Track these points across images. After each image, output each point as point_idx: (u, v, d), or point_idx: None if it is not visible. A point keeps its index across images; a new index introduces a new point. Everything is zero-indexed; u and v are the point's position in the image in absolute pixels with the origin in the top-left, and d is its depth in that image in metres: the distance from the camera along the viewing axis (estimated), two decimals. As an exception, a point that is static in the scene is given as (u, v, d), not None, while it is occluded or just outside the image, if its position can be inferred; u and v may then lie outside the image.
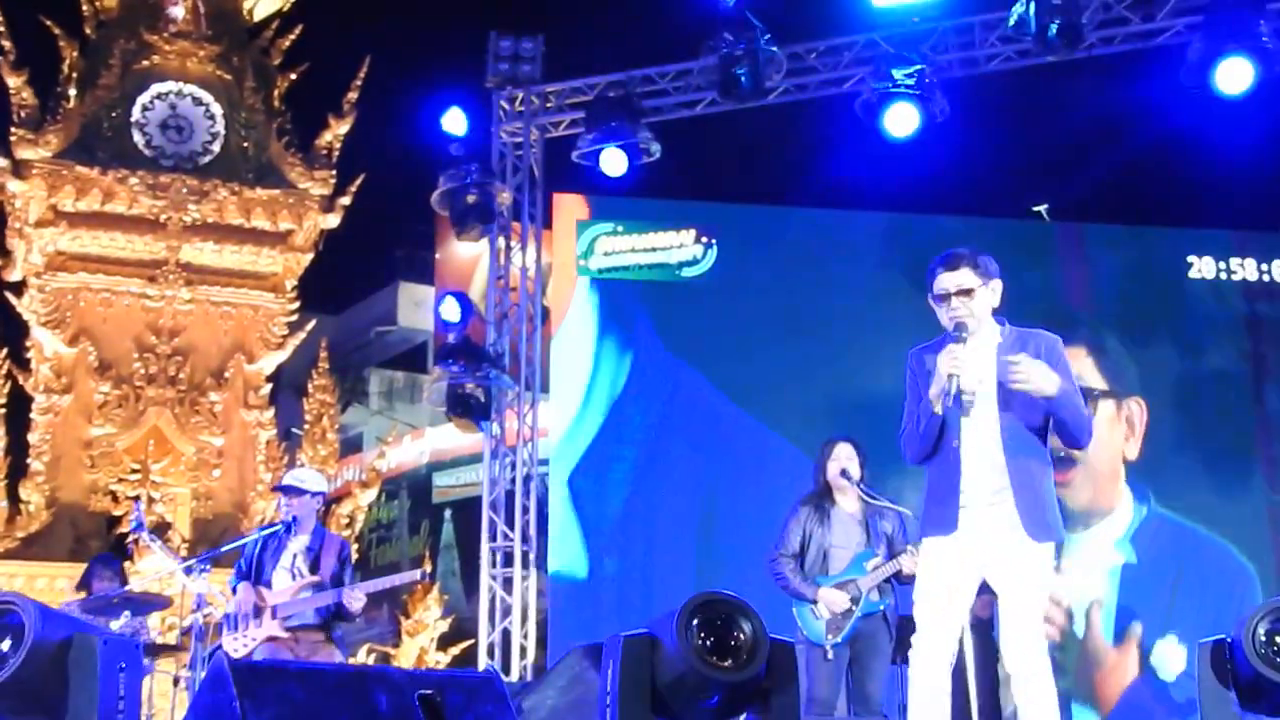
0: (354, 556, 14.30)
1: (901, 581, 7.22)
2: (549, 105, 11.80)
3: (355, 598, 7.15)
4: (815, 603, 7.12)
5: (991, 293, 4.67)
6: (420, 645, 14.05)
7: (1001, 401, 4.59)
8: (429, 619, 14.15)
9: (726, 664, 3.70)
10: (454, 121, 11.06)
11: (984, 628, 8.63)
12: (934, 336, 4.76)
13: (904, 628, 8.00)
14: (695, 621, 3.74)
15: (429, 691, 3.99)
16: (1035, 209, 15.81)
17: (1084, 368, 11.93)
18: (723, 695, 3.72)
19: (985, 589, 8.51)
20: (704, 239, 12.01)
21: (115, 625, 8.12)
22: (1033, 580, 4.56)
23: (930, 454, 4.65)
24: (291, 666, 4.81)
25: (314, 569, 7.26)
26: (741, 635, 3.75)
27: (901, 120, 10.55)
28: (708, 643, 3.71)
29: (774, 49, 10.69)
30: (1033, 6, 10.03)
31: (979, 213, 13.47)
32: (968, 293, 4.62)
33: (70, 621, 3.64)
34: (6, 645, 3.44)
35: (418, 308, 26.98)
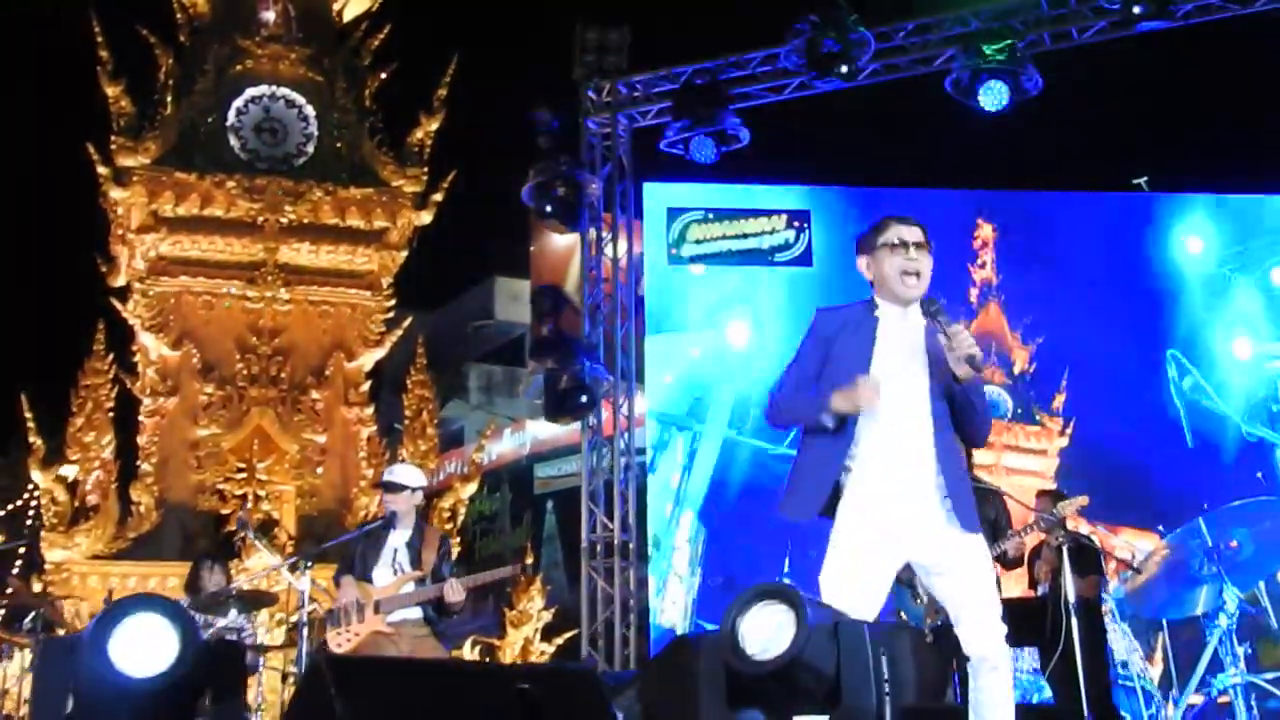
0: (457, 549, 14.57)
1: (1005, 565, 7.12)
2: (636, 95, 11.78)
3: (456, 592, 7.18)
4: (910, 585, 7.04)
5: (930, 261, 4.47)
6: (525, 636, 14.11)
7: (931, 379, 4.38)
8: (533, 610, 14.20)
9: (768, 655, 3.67)
10: (542, 114, 11.08)
11: (1091, 609, 8.49)
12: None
13: (1009, 611, 7.93)
14: (745, 616, 3.72)
15: (526, 686, 3.99)
16: (1135, 181, 15.49)
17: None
18: (780, 684, 3.65)
19: (1087, 569, 8.39)
20: (795, 223, 11.93)
21: (222, 623, 8.26)
22: (985, 569, 4.40)
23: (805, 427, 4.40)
24: (387, 662, 4.84)
25: (415, 564, 7.31)
26: (789, 625, 3.70)
27: (993, 96, 10.38)
28: (758, 636, 3.68)
29: (862, 29, 10.56)
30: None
31: (1075, 186, 13.23)
32: (924, 248, 4.46)
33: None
34: (171, 645, 3.49)
35: (514, 301, 27.12)
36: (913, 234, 4.45)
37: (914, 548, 4.37)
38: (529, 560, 14.53)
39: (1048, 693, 8.65)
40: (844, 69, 10.42)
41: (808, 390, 4.42)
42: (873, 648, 3.74)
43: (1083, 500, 7.36)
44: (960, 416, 4.41)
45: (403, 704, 3.82)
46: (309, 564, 7.55)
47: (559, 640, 14.39)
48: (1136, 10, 9.88)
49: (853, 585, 4.27)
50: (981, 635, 4.32)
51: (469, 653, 13.92)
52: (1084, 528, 11.17)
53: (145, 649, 3.41)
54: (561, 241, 17.59)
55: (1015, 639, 8.45)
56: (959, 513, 4.33)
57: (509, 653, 13.95)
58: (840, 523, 4.39)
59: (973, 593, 4.35)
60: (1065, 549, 7.66)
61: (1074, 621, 7.51)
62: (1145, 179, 15.87)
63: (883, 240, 4.46)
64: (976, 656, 4.33)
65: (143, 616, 3.47)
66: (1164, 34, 10.61)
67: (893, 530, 4.33)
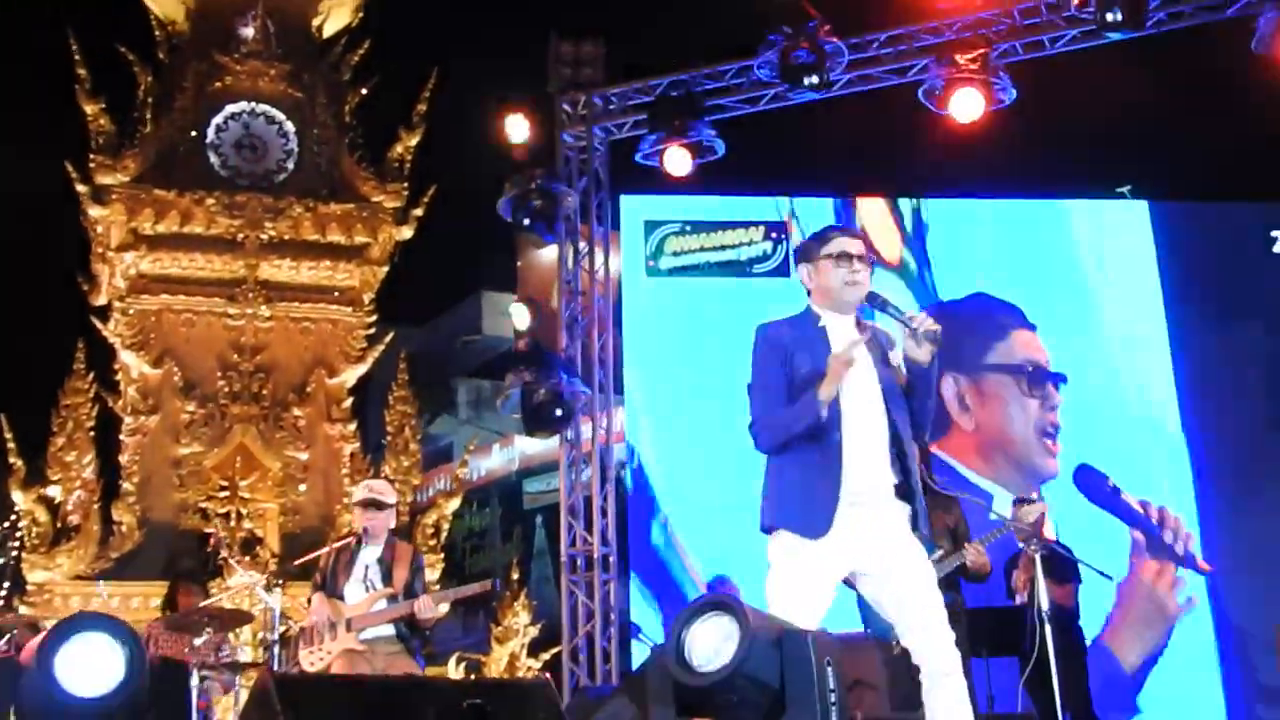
0: (445, 566, 14.56)
1: (967, 578, 7.09)
2: (612, 107, 11.78)
3: (427, 608, 7.16)
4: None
5: (869, 272, 4.53)
6: (511, 651, 14.08)
7: (885, 390, 4.42)
8: (518, 625, 14.17)
9: (709, 666, 3.66)
10: (516, 127, 11.07)
11: (1067, 619, 8.48)
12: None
13: (987, 620, 7.90)
14: (691, 628, 3.72)
15: (478, 700, 3.97)
16: (1119, 189, 15.51)
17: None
18: (724, 695, 3.64)
19: (1064, 578, 8.38)
20: (773, 235, 11.93)
21: (197, 642, 8.22)
22: (927, 572, 4.39)
23: (794, 445, 4.38)
24: (338, 680, 4.82)
25: (387, 580, 7.28)
26: (732, 637, 3.69)
27: (967, 106, 10.39)
28: (703, 648, 3.67)
29: (835, 40, 10.57)
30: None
31: (1053, 195, 13.25)
32: (865, 260, 4.51)
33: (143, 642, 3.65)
34: (104, 664, 3.46)
35: (502, 316, 27.11)
36: (856, 246, 4.52)
37: (867, 557, 4.36)
38: (514, 575, 14.50)
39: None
40: (817, 79, 10.41)
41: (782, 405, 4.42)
42: (817, 659, 3.72)
43: (1042, 507, 7.34)
44: (913, 407, 4.44)
45: (353, 721, 3.80)
46: (280, 581, 7.54)
47: (545, 655, 14.36)
48: (1109, 18, 9.86)
49: (801, 592, 4.27)
50: (929, 642, 4.31)
51: (454, 669, 13.89)
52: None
53: (91, 669, 3.38)
54: (547, 256, 17.59)
55: (993, 648, 8.49)
56: (917, 516, 4.37)
57: (494, 668, 13.91)
58: (781, 539, 4.39)
59: (927, 602, 4.34)
60: (1040, 558, 7.66)
61: (1049, 630, 7.52)
62: (1129, 187, 15.89)
63: (826, 251, 4.52)
64: (928, 665, 4.31)
65: (88, 636, 3.44)
66: (1138, 41, 10.61)
67: (848, 540, 4.32)
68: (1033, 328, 11.96)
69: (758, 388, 4.51)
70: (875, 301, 4.43)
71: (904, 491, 4.39)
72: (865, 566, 4.38)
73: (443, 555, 14.46)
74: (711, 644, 3.69)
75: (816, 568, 4.30)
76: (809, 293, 4.60)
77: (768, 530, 4.45)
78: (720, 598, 3.84)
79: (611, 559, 11.27)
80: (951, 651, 4.31)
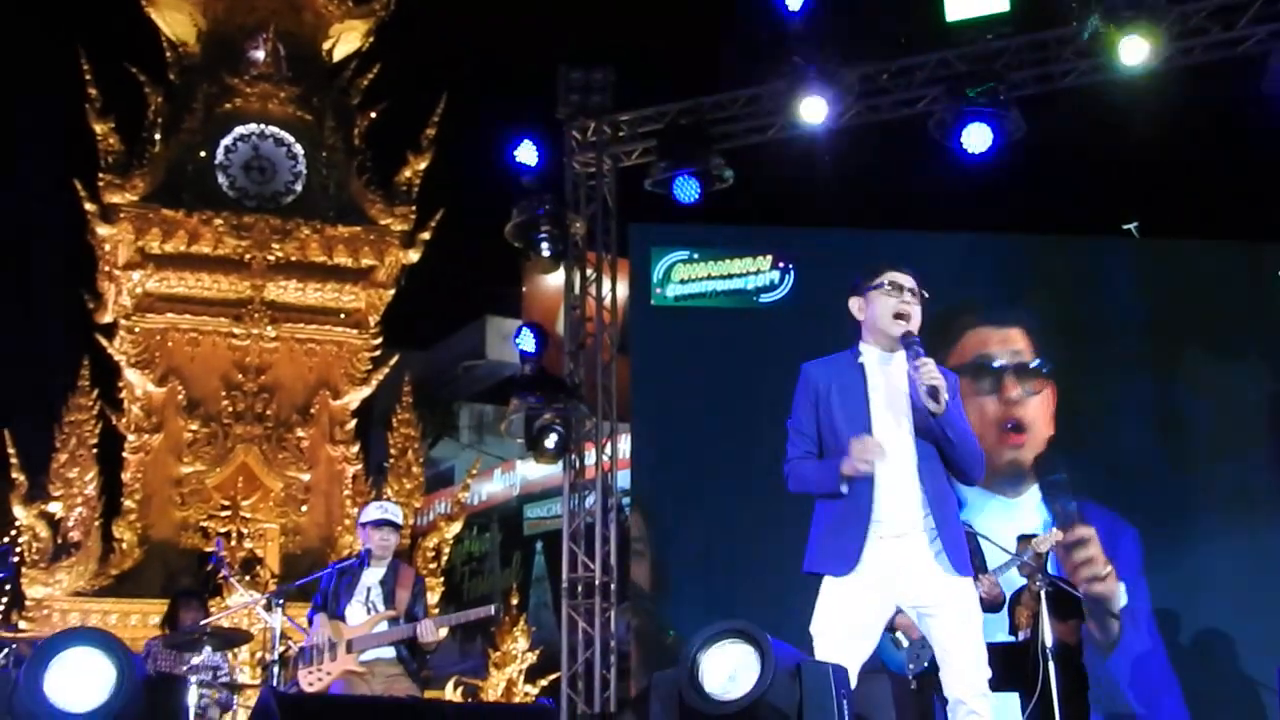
0: (444, 590, 14.53)
1: (981, 608, 7.05)
2: (621, 135, 11.78)
3: (429, 631, 7.14)
4: (893, 631, 6.98)
5: (920, 309, 4.57)
6: (509, 677, 14.04)
7: (916, 425, 4.44)
8: (516, 651, 14.14)
9: (731, 695, 3.63)
10: (526, 153, 11.07)
11: (1070, 655, 8.43)
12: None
13: (991, 656, 7.87)
14: (705, 653, 3.68)
15: (480, 725, 3.95)
16: (1125, 227, 15.51)
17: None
18: None
19: (1067, 614, 8.34)
20: (780, 264, 11.92)
21: (196, 660, 8.19)
22: (972, 612, 4.40)
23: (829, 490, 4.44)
24: (338, 700, 4.79)
25: (389, 602, 7.27)
26: (750, 664, 3.67)
27: (977, 138, 10.38)
28: (718, 674, 3.64)
29: (844, 71, 10.58)
30: (1108, 20, 9.85)
31: (1060, 231, 13.24)
32: (916, 295, 4.56)
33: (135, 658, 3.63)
34: (89, 680, 3.44)
35: (505, 341, 27.05)
36: (908, 280, 4.57)
37: (904, 591, 4.40)
38: (514, 601, 14.47)
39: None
40: (826, 110, 10.43)
41: (812, 454, 4.51)
42: (836, 690, 3.70)
43: (1057, 535, 7.31)
44: (943, 452, 4.46)
45: (354, 743, 3.77)
46: (280, 601, 7.51)
47: (543, 682, 14.31)
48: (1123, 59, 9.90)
49: (844, 631, 4.32)
50: (964, 678, 4.33)
51: (451, 693, 13.85)
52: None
53: (81, 683, 3.35)
54: (553, 282, 17.59)
55: (996, 684, 8.44)
56: (949, 554, 4.37)
57: (492, 694, 13.88)
58: (822, 581, 4.42)
59: (959, 636, 4.36)
60: (1045, 594, 7.62)
61: (1053, 667, 7.48)
62: (1135, 224, 15.90)
63: (878, 282, 4.56)
64: (955, 699, 4.35)
65: (79, 650, 3.41)
66: (1149, 76, 10.62)
67: (883, 575, 4.36)
68: (1002, 323, 11.92)
69: (793, 429, 4.60)
70: (905, 340, 4.46)
71: (938, 528, 4.40)
72: (908, 600, 4.42)
73: (442, 579, 14.44)
74: (727, 671, 3.66)
75: (854, 605, 4.34)
76: (858, 326, 4.65)
77: (811, 573, 4.50)
78: (738, 625, 3.81)
79: (612, 586, 11.21)
80: (983, 690, 4.35)
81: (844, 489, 4.35)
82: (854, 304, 4.65)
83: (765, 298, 11.95)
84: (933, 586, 4.37)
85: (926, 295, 4.59)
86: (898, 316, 4.48)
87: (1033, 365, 11.92)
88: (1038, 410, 11.92)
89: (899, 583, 4.37)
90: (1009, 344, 11.92)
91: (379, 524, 7.40)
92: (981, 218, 13.36)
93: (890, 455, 4.38)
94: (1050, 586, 7.79)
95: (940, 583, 4.37)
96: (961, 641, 4.36)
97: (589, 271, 11.89)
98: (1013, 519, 11.21)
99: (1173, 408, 12.05)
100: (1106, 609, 11.36)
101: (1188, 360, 12.09)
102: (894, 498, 4.38)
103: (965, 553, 4.44)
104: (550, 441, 11.07)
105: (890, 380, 4.50)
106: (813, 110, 10.57)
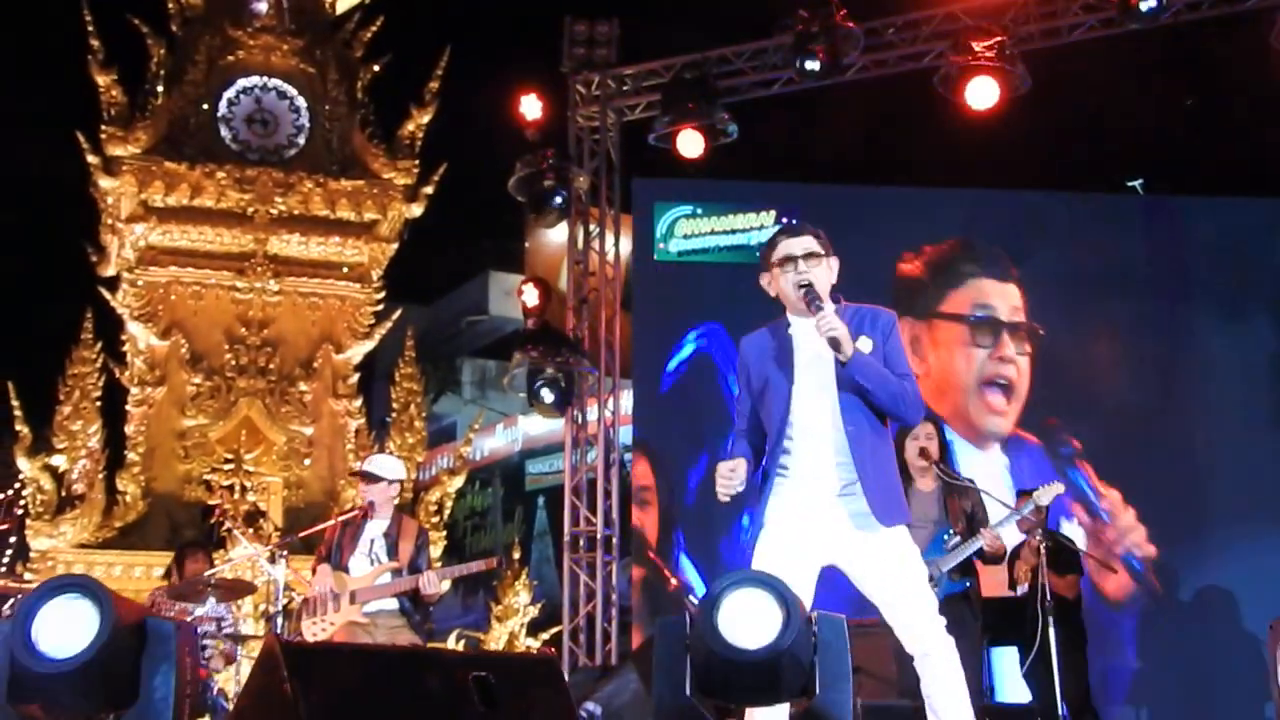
0: (446, 544, 14.58)
1: (985, 560, 7.09)
2: (625, 88, 11.75)
3: (432, 584, 7.18)
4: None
5: (830, 268, 4.54)
6: (510, 630, 14.11)
7: (839, 381, 4.42)
8: (518, 604, 14.21)
9: (753, 644, 3.63)
10: (529, 107, 11.04)
11: (1069, 609, 8.48)
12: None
13: (990, 609, 7.90)
14: (724, 600, 3.67)
15: (482, 673, 3.97)
16: (1130, 184, 15.46)
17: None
18: (756, 675, 3.64)
19: (1066, 568, 8.38)
20: (784, 219, 11.89)
21: (200, 611, 8.25)
22: (908, 561, 4.40)
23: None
24: (343, 648, 4.82)
25: (392, 555, 7.31)
26: (773, 614, 3.67)
27: (982, 94, 10.33)
28: (738, 622, 3.63)
29: (850, 25, 10.52)
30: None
31: (1065, 187, 13.18)
32: (815, 257, 4.49)
33: (134, 605, 3.66)
34: (73, 627, 3.47)
35: (508, 297, 27.06)
36: (802, 245, 4.51)
37: (833, 550, 4.41)
38: (515, 555, 14.52)
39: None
40: (831, 64, 10.38)
41: (743, 433, 4.60)
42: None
43: (1058, 488, 7.33)
44: (866, 400, 4.43)
45: (358, 690, 3.80)
46: (284, 553, 7.55)
47: (544, 635, 14.39)
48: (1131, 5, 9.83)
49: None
50: (916, 628, 4.33)
51: (454, 645, 13.93)
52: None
53: (67, 630, 3.39)
54: (555, 238, 17.57)
55: (995, 638, 8.49)
56: (876, 507, 4.35)
57: (494, 646, 13.95)
58: (765, 531, 4.46)
59: (896, 587, 4.36)
60: (1044, 548, 7.66)
61: (1052, 621, 7.53)
62: (1141, 181, 15.85)
63: (774, 258, 4.55)
64: (918, 651, 4.34)
65: (65, 598, 3.44)
66: (1158, 31, 10.57)
67: (810, 533, 4.38)
68: (1003, 278, 11.88)
69: (739, 400, 4.66)
70: (807, 294, 4.40)
71: (861, 481, 4.38)
72: (843, 555, 4.42)
73: (445, 533, 14.49)
74: (746, 619, 3.66)
75: (789, 558, 4.35)
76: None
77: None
78: (756, 573, 3.81)
79: (614, 540, 11.27)
80: (940, 635, 4.33)
81: (725, 499, 4.41)
82: (763, 280, 4.63)
83: (769, 253, 11.93)
84: (861, 542, 4.37)
85: (823, 252, 4.51)
86: (799, 287, 4.43)
87: (1027, 324, 11.90)
88: (1024, 370, 11.90)
89: (826, 543, 4.39)
90: (1008, 299, 11.90)
91: (364, 475, 7.45)
92: (985, 174, 13.31)
93: (810, 414, 4.41)
94: (1050, 541, 7.84)
95: (869, 538, 4.36)
96: (902, 591, 4.35)
97: (592, 226, 11.88)
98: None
99: (1174, 366, 12.05)
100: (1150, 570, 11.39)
101: (1190, 318, 12.07)
102: (814, 454, 4.40)
103: (896, 503, 4.43)
104: (552, 396, 11.09)
105: (819, 342, 4.42)
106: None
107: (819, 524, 4.38)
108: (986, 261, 11.92)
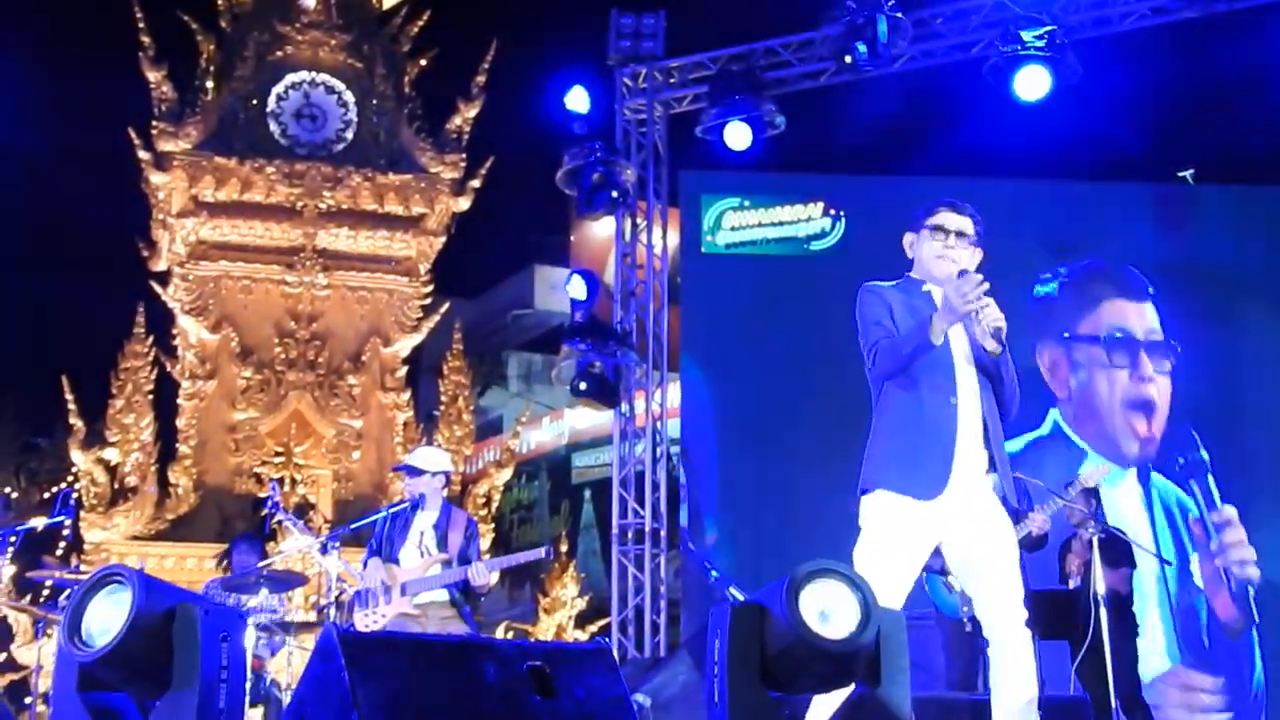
0: (493, 537, 14.66)
1: (1028, 547, 7.05)
2: (672, 81, 11.72)
3: (481, 574, 7.20)
4: (945, 574, 6.98)
5: (975, 256, 4.54)
6: (558, 623, 14.18)
7: (979, 367, 4.42)
8: (566, 597, 14.27)
9: (834, 634, 3.63)
10: (577, 100, 11.03)
11: (1121, 603, 8.41)
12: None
13: (1039, 604, 7.86)
14: (803, 591, 3.67)
15: (538, 663, 3.98)
16: (1180, 175, 15.28)
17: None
18: (830, 666, 3.65)
19: (1119, 562, 8.31)
20: (832, 211, 11.83)
21: (253, 601, 8.32)
22: (1010, 548, 4.39)
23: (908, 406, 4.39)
24: (400, 638, 4.85)
25: (441, 546, 7.33)
26: (850, 605, 3.68)
27: (1032, 83, 10.23)
28: (815, 612, 3.64)
29: (899, 15, 10.44)
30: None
31: (1115, 178, 13.04)
32: (966, 237, 4.52)
33: (174, 592, 3.73)
34: (112, 615, 3.57)
35: (553, 290, 27.16)
36: (958, 223, 4.54)
37: (955, 522, 4.37)
38: (563, 548, 14.57)
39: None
40: (880, 54, 10.31)
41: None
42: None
43: (1104, 468, 7.26)
44: (996, 389, 4.47)
45: (414, 679, 3.82)
46: (337, 544, 7.60)
47: (592, 628, 14.45)
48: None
49: (896, 561, 4.31)
50: (1003, 617, 4.32)
51: (502, 637, 14.00)
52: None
53: (110, 619, 3.51)
54: (601, 231, 17.58)
55: (1045, 632, 8.43)
56: (1004, 488, 4.41)
57: (542, 639, 14.01)
58: (880, 500, 4.39)
59: (998, 573, 4.36)
60: (1096, 541, 7.59)
61: (1104, 615, 7.46)
62: (1191, 172, 15.66)
63: (929, 222, 4.57)
64: (998, 640, 4.33)
65: (109, 589, 3.55)
66: (1210, 20, 10.45)
67: (945, 504, 4.33)
68: (1139, 298, 11.71)
69: (869, 328, 4.49)
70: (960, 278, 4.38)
71: (998, 464, 4.42)
72: (955, 535, 4.40)
73: (492, 526, 14.56)
74: (825, 610, 3.67)
75: (916, 531, 4.33)
76: (911, 262, 4.65)
77: (866, 491, 4.46)
78: (829, 564, 3.81)
79: (662, 533, 11.27)
80: (1018, 627, 4.32)
81: (937, 340, 4.27)
82: (907, 239, 4.66)
83: (816, 245, 11.88)
84: (987, 523, 4.37)
85: (975, 239, 4.54)
86: (939, 259, 4.47)
87: (1167, 343, 11.72)
88: (1165, 389, 11.73)
89: (960, 517, 4.35)
90: (1145, 320, 11.73)
91: (407, 469, 7.49)
92: (1034, 164, 13.20)
93: (963, 385, 4.39)
94: (1103, 534, 7.77)
95: (994, 521, 4.38)
96: (1007, 583, 4.35)
97: (639, 219, 11.87)
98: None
99: (1234, 361, 11.89)
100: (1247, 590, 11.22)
101: (1248, 311, 11.90)
102: (968, 427, 4.37)
103: (1013, 489, 4.48)
104: (600, 389, 11.10)
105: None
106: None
107: (968, 497, 4.34)
108: (1119, 281, 11.75)
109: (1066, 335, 11.56)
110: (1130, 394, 11.57)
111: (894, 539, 4.32)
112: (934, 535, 4.38)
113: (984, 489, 4.39)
